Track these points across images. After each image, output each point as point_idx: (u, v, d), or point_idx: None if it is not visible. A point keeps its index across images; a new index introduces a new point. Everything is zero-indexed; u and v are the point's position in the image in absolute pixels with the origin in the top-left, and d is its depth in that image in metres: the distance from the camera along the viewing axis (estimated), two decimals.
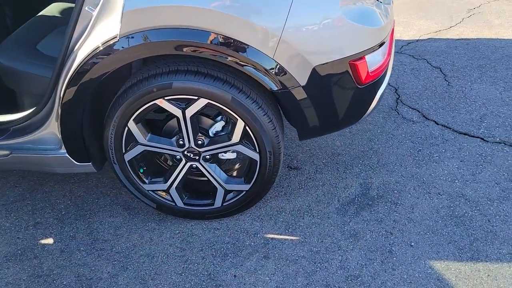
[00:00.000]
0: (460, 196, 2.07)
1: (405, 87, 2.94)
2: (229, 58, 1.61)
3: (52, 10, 2.54)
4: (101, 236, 2.04)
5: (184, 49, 1.60)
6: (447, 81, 2.98)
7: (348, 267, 1.80)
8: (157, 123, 2.00)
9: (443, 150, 2.37)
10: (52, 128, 1.91)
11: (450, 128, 2.53)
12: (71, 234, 2.06)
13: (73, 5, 2.64)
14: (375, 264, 1.80)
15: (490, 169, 2.21)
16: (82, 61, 1.67)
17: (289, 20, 1.56)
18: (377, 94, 1.89)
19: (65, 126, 1.83)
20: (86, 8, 1.65)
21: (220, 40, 1.58)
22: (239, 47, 1.59)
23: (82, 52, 1.69)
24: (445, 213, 1.99)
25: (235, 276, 1.81)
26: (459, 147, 2.38)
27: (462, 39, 3.51)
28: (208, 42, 1.57)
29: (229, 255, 1.90)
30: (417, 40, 3.56)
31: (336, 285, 1.73)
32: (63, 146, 1.91)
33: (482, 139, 2.42)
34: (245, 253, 1.90)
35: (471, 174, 2.19)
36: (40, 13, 2.48)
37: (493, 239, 1.85)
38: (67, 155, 1.92)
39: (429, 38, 3.59)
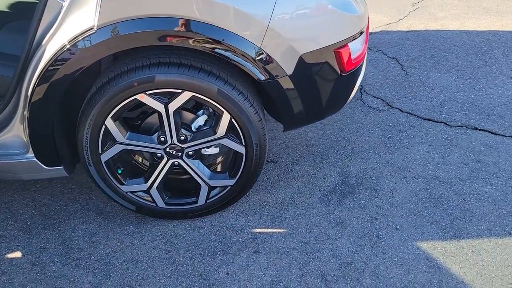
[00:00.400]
0: (434, 179, 2.15)
1: (367, 78, 3.02)
2: (216, 49, 1.55)
3: None
4: (75, 245, 1.90)
5: (169, 40, 1.52)
6: (404, 70, 3.09)
7: (339, 255, 1.81)
8: (131, 120, 1.89)
9: (412, 136, 2.45)
10: (16, 131, 1.74)
11: (414, 115, 2.62)
12: (41, 245, 1.89)
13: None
14: (365, 249, 1.82)
15: (457, 151, 2.32)
16: (53, 56, 1.54)
17: (277, 8, 1.54)
18: (356, 82, 1.92)
19: (34, 128, 1.67)
20: None
21: (207, 29, 1.51)
22: (226, 36, 1.54)
23: (52, 46, 1.55)
24: (423, 195, 2.06)
25: (227, 273, 1.75)
26: (425, 132, 2.47)
27: (412, 31, 3.67)
28: (195, 31, 1.50)
29: (218, 253, 1.84)
30: (370, 33, 3.67)
31: (331, 273, 1.73)
32: (30, 150, 1.75)
33: (446, 123, 2.53)
34: (234, 250, 1.85)
35: (441, 157, 2.29)
36: None
37: (471, 217, 1.94)
38: (35, 159, 1.76)
39: (381, 31, 3.71)
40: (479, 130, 2.47)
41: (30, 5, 2.37)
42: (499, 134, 2.42)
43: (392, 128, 2.52)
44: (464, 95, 2.78)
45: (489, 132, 2.45)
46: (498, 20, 3.75)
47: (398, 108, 2.69)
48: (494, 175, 2.15)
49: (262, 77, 1.64)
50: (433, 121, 2.56)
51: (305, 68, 1.67)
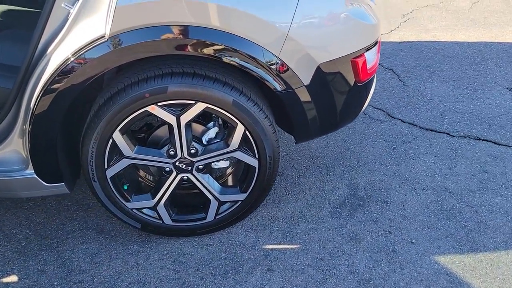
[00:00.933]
0: (444, 190, 2.13)
1: None
2: (232, 58, 1.48)
3: None
4: (76, 267, 1.78)
5: (186, 49, 1.44)
6: (401, 81, 3.09)
7: (357, 271, 1.75)
8: (136, 133, 1.80)
9: (416, 147, 2.43)
10: (14, 146, 1.63)
11: (416, 125, 2.61)
12: (39, 268, 1.77)
13: (10, 7, 2.35)
14: (382, 265, 1.77)
15: (463, 162, 2.30)
16: (60, 66, 1.44)
17: (297, 16, 1.48)
18: (370, 92, 1.88)
19: (35, 141, 1.56)
20: (62, 5, 1.43)
21: (224, 37, 1.45)
22: (243, 44, 1.47)
23: (59, 55, 1.46)
24: (434, 207, 2.03)
25: None
26: (429, 143, 2.46)
27: (405, 42, 3.69)
28: (212, 40, 1.43)
29: (230, 272, 1.75)
30: None
31: None
32: (30, 166, 1.63)
33: (448, 134, 2.52)
34: (246, 268, 1.77)
35: (448, 168, 2.27)
36: None
37: (485, 229, 1.91)
38: (35, 175, 1.64)
39: None
40: (482, 140, 2.47)
41: (27, 14, 2.26)
42: (502, 144, 2.43)
43: (395, 139, 2.50)
44: (463, 105, 2.79)
45: (492, 142, 2.45)
46: (488, 32, 3.82)
47: (399, 119, 2.67)
48: (503, 186, 2.14)
49: (279, 88, 1.58)
50: (436, 132, 2.55)
51: (322, 78, 1.62)
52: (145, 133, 1.82)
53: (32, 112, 1.50)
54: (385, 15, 4.23)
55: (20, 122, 1.58)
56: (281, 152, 2.40)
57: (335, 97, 1.70)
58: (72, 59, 1.44)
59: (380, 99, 2.88)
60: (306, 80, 1.60)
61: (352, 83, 1.71)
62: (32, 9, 2.28)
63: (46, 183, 1.67)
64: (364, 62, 1.68)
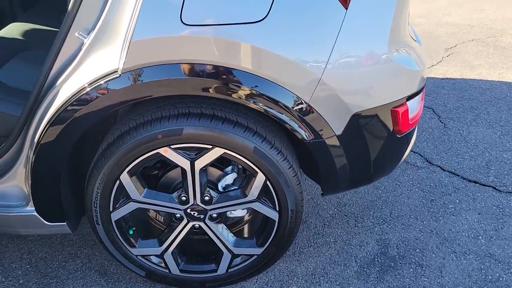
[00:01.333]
0: (489, 256, 1.87)
1: None
2: (258, 102, 1.32)
3: (11, 31, 2.13)
4: None
5: (208, 90, 1.29)
6: (442, 122, 2.85)
7: None
8: (149, 170, 1.65)
9: (457, 201, 2.19)
10: (16, 180, 1.51)
11: (458, 175, 2.36)
12: None
13: (36, 26, 2.28)
14: None
15: (511, 223, 2.05)
16: (71, 97, 1.33)
17: (333, 58, 1.31)
18: (410, 143, 1.68)
19: (38, 176, 1.44)
20: (76, 34, 1.31)
21: (250, 79, 1.29)
22: (271, 88, 1.31)
23: (70, 86, 1.34)
24: (477, 277, 1.78)
25: None
26: (472, 197, 2.21)
27: (447, 78, 3.45)
28: (237, 82, 1.28)
29: None
30: None
31: None
32: (30, 203, 1.51)
33: (494, 188, 2.27)
34: None
35: (494, 229, 2.01)
36: None
37: None
38: (35, 213, 1.52)
39: None
40: None
41: (48, 34, 2.18)
42: None
43: (434, 190, 2.26)
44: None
45: None
46: None
47: (438, 166, 2.44)
48: None
49: (306, 137, 1.40)
50: (480, 184, 2.30)
51: (356, 128, 1.43)
52: (158, 170, 1.67)
53: (38, 142, 1.38)
54: (426, 48, 4.00)
55: (24, 154, 1.47)
56: (307, 195, 2.21)
57: (370, 149, 1.51)
58: (83, 91, 1.32)
59: (419, 141, 2.65)
60: (338, 130, 1.41)
61: (390, 134, 1.51)
62: (54, 29, 2.20)
63: (47, 221, 1.54)
64: (406, 112, 1.49)
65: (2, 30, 2.12)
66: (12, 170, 1.50)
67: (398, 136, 1.53)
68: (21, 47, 1.98)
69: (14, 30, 2.13)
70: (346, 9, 1.28)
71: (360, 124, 1.43)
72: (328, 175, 1.53)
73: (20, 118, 1.45)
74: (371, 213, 2.12)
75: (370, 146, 1.50)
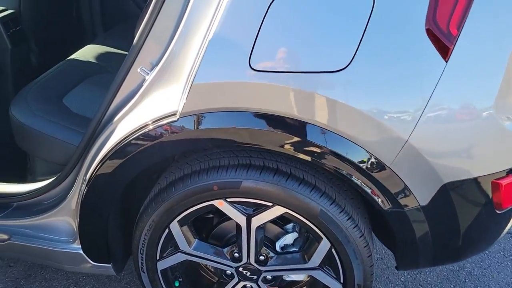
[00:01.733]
0: None
1: None
2: (330, 162, 1.13)
3: (85, 53, 2.13)
4: None
5: (287, 147, 1.13)
6: None
7: None
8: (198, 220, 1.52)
9: None
10: (66, 213, 1.44)
11: None
12: None
13: (111, 49, 2.27)
14: None
15: None
16: (129, 134, 1.23)
17: (424, 117, 1.09)
18: None
19: (87, 212, 1.35)
20: (138, 70, 1.22)
21: (325, 136, 1.11)
22: (346, 147, 1.12)
23: (129, 122, 1.25)
24: None
25: None
26: None
27: None
28: (310, 139, 1.11)
29: None
30: None
31: None
32: (77, 240, 1.43)
33: None
34: None
35: None
36: (72, 56, 2.07)
37: None
38: (81, 251, 1.44)
39: None
40: None
41: (121, 58, 2.16)
42: None
43: None
44: None
45: None
46: None
47: None
48: None
49: (384, 206, 1.19)
50: None
51: (446, 201, 1.19)
52: (212, 218, 1.53)
53: (92, 174, 1.30)
54: None
55: (77, 186, 1.40)
56: (376, 255, 1.96)
57: (460, 225, 1.25)
58: (142, 129, 1.22)
59: None
60: (424, 200, 1.18)
61: (489, 209, 1.25)
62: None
63: (92, 261, 1.46)
64: (510, 185, 1.22)
65: (77, 52, 2.13)
66: (63, 203, 1.44)
67: (498, 212, 1.26)
68: (93, 71, 1.96)
69: (88, 52, 2.13)
70: (446, 62, 1.06)
71: (452, 196, 1.18)
72: (406, 249, 1.29)
73: (77, 148, 1.39)
74: (452, 286, 1.82)
75: (461, 222, 1.24)
